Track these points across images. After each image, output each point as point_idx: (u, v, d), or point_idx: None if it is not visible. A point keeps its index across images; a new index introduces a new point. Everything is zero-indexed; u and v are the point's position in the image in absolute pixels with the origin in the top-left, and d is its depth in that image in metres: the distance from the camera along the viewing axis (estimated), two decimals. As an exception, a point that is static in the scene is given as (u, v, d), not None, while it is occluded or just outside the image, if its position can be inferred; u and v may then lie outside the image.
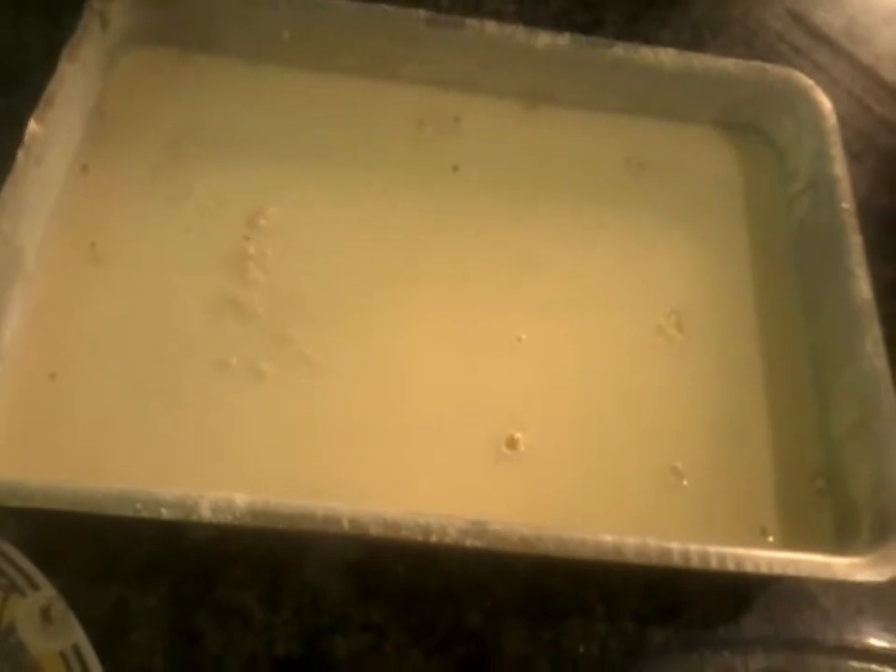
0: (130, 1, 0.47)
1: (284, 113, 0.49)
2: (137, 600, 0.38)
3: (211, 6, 0.48)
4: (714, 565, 0.36)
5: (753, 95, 0.51)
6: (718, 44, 0.58)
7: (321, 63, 0.50)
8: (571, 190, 0.49)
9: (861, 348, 0.42)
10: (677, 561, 0.36)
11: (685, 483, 0.42)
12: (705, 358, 0.45)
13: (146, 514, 0.34)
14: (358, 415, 0.41)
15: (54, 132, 0.43)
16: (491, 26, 0.49)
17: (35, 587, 0.35)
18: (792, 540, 0.41)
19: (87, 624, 0.35)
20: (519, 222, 0.48)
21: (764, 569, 0.36)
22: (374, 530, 0.35)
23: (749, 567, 0.36)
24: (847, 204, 0.46)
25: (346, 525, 0.35)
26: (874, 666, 0.38)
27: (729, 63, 0.50)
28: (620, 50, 0.49)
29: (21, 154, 0.41)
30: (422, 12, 0.48)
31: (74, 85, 0.44)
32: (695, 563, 0.36)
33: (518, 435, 0.42)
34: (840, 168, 0.48)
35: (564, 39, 0.49)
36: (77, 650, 0.35)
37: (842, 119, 0.49)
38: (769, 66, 0.51)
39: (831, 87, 0.52)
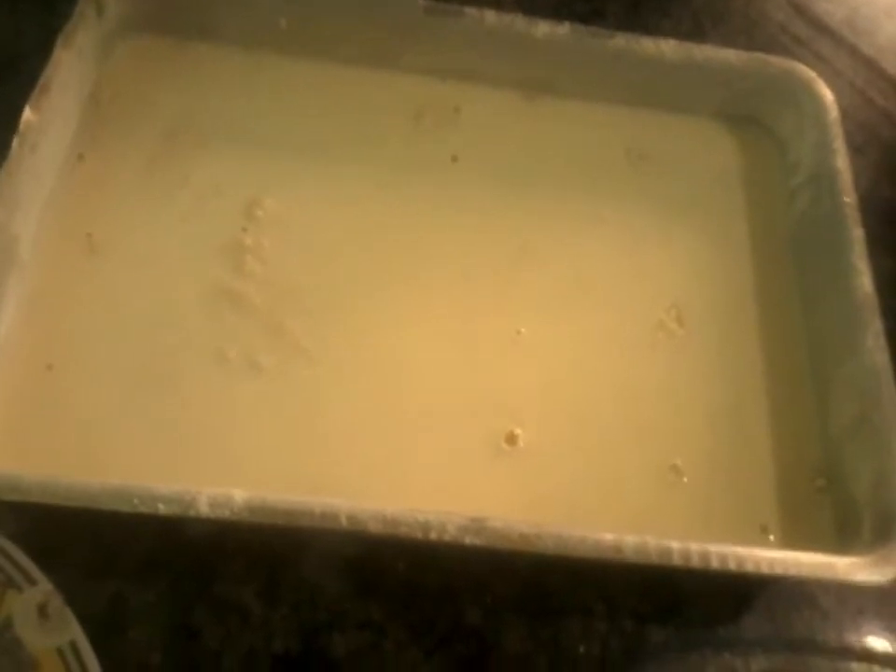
0: (126, -12, 0.46)
1: (281, 102, 0.48)
2: (135, 596, 0.37)
3: (208, -7, 0.48)
4: (715, 564, 0.36)
5: (755, 87, 0.50)
6: (718, 34, 0.58)
7: (319, 52, 0.49)
8: (570, 181, 0.49)
9: (862, 342, 0.42)
10: (677, 560, 0.36)
11: (685, 479, 0.42)
12: (705, 354, 0.45)
13: (143, 509, 0.34)
14: (356, 409, 0.41)
15: (49, 120, 0.42)
16: (490, 15, 0.48)
17: (32, 582, 0.35)
18: (793, 538, 0.40)
19: (84, 620, 0.35)
20: (518, 213, 0.47)
21: (765, 569, 0.36)
22: (373, 527, 0.35)
23: (750, 567, 0.36)
24: (849, 197, 0.46)
25: (345, 522, 0.35)
26: (875, 668, 0.38)
27: (730, 55, 0.50)
28: (620, 41, 0.49)
29: (15, 142, 0.40)
30: (421, 1, 0.48)
31: (69, 73, 0.44)
32: (696, 562, 0.36)
33: (517, 431, 0.41)
34: (842, 161, 0.47)
35: (564, 29, 0.49)
36: (74, 646, 0.34)
37: (844, 112, 0.49)
38: (771, 58, 0.50)
39: (833, 79, 0.52)
